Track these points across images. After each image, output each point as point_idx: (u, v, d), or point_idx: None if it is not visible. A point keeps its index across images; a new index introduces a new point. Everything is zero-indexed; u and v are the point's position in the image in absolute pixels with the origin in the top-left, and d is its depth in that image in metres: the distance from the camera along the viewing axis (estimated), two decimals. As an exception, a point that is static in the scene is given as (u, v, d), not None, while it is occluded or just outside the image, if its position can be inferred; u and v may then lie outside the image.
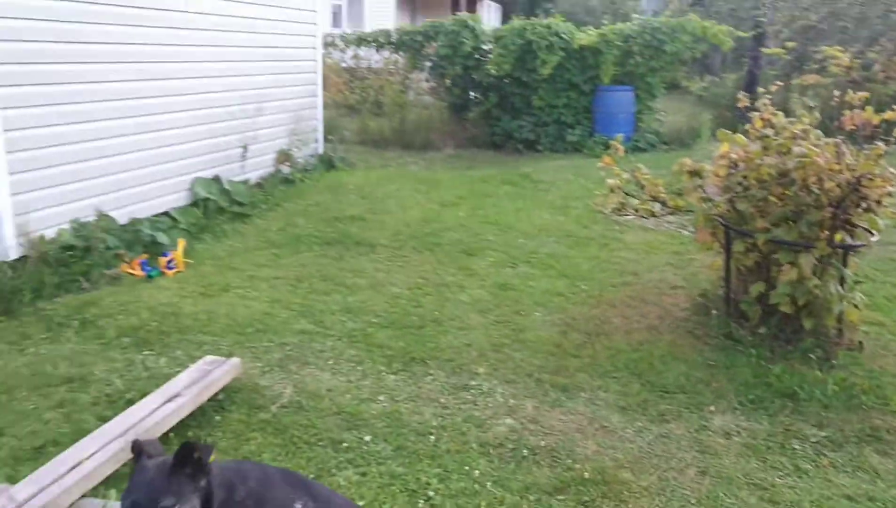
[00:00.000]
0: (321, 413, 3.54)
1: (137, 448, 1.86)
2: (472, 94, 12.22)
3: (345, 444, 3.28)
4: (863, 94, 3.95)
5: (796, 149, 3.66)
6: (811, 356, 3.95)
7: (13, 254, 4.92)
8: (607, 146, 10.48)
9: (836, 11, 12.16)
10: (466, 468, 3.11)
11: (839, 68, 9.94)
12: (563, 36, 10.68)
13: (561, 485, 2.98)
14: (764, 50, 10.19)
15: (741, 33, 10.60)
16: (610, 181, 4.52)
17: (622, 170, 4.51)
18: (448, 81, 12.01)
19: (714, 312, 4.42)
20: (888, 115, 3.62)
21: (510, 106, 11.50)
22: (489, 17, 28.97)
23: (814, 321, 3.96)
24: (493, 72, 11.07)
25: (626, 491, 2.95)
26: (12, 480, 2.80)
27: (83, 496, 2.64)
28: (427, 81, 13.16)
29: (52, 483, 2.59)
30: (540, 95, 11.08)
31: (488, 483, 3.00)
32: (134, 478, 1.81)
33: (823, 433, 3.37)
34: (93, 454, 2.82)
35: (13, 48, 4.84)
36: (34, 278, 4.89)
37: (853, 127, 3.72)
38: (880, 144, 3.50)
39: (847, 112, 3.74)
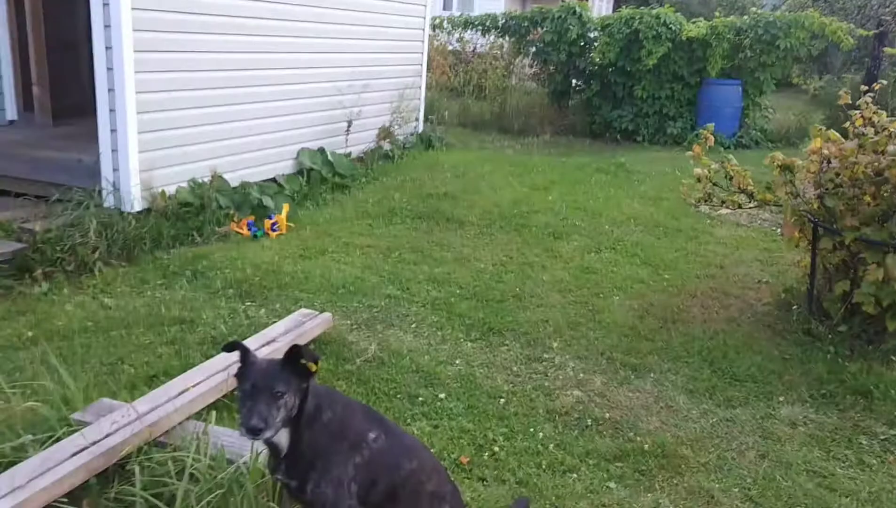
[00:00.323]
0: (401, 370, 3.80)
1: (293, 350, 2.11)
2: (574, 81, 12.22)
3: (420, 399, 3.53)
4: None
5: (891, 148, 3.61)
6: (893, 357, 3.89)
7: (138, 206, 5.43)
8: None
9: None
10: (531, 430, 3.29)
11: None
12: (671, 27, 10.52)
13: (620, 453, 3.13)
14: (887, 50, 9.68)
15: (863, 32, 10.12)
16: (697, 171, 4.54)
17: (711, 161, 4.53)
18: (551, 68, 12.05)
19: (794, 307, 4.40)
20: None
21: (612, 95, 11.44)
22: (601, 6, 28.57)
23: (899, 323, 3.89)
24: (597, 60, 11.04)
25: (683, 465, 3.06)
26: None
27: (188, 418, 3.00)
28: (531, 66, 13.26)
29: (166, 403, 2.96)
30: (643, 85, 10.96)
31: (551, 445, 3.18)
32: (248, 370, 2.10)
33: (894, 432, 3.35)
34: (198, 383, 3.18)
35: (144, 16, 5.29)
36: (154, 230, 5.38)
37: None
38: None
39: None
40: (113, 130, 5.30)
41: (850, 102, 4.38)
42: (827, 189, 4.03)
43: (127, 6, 5.05)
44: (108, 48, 5.13)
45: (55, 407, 2.89)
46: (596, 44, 11.12)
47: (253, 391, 2.03)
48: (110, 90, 5.22)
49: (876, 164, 3.75)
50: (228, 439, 2.77)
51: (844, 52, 16.05)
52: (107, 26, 5.08)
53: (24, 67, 6.56)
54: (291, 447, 2.16)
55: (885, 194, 3.78)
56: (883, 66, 12.38)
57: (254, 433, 1.98)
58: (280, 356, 2.12)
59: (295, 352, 2.11)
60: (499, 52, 13.91)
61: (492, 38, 13.34)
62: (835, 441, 3.29)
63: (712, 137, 4.57)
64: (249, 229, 5.87)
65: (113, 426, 2.74)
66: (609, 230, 6.38)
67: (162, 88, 5.56)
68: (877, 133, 4.00)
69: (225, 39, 6.13)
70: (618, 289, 5.06)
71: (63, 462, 2.53)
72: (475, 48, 14.52)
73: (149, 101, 5.43)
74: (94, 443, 2.64)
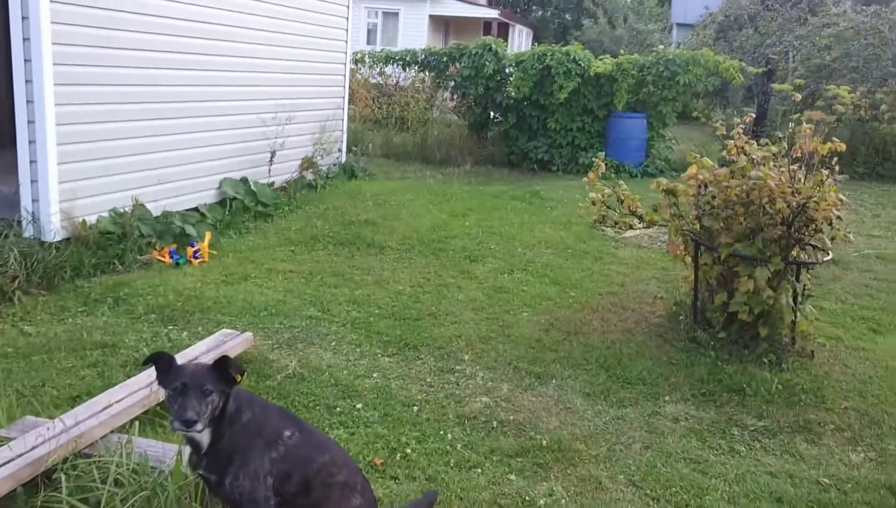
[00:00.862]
0: (320, 384, 4.02)
1: (222, 359, 2.35)
2: (492, 114, 12.76)
3: (338, 409, 3.76)
4: (818, 115, 4.36)
5: (753, 173, 4.10)
6: (764, 360, 4.35)
7: (58, 236, 5.49)
8: (618, 170, 10.99)
9: (851, 52, 12.51)
10: (442, 433, 3.56)
11: (844, 106, 10.29)
12: (580, 63, 11.19)
13: (521, 450, 3.43)
14: (774, 86, 10.58)
15: (753, 69, 11.01)
16: (592, 195, 4.98)
17: (604, 186, 4.97)
18: (470, 101, 12.56)
19: (682, 318, 4.85)
20: (830, 146, 4.05)
21: (527, 127, 12.01)
22: (521, 42, 29.65)
23: (769, 329, 4.37)
24: (513, 94, 11.60)
25: (576, 458, 3.38)
26: (54, 416, 3.30)
27: (112, 431, 3.14)
28: (451, 99, 13.76)
29: (90, 417, 3.09)
30: (556, 118, 11.58)
31: (458, 446, 3.46)
32: (178, 371, 2.31)
33: (762, 423, 3.78)
34: (121, 399, 3.32)
35: (63, 50, 5.40)
36: (74, 259, 5.45)
37: (799, 155, 4.14)
38: (825, 171, 3.93)
39: (800, 141, 4.17)
40: (32, 162, 5.38)
41: (726, 133, 4.90)
42: (705, 211, 4.50)
43: (47, 41, 5.17)
44: (27, 81, 5.23)
45: (-21, 424, 2.99)
46: (511, 78, 11.70)
47: (184, 388, 2.24)
48: (30, 122, 5.30)
49: (744, 187, 4.23)
50: (151, 448, 2.94)
51: (745, 88, 17.27)
52: (27, 60, 5.18)
53: (-62, 99, 6.53)
54: (212, 444, 2.37)
55: (752, 214, 4.26)
56: (771, 100, 13.43)
57: (187, 424, 2.19)
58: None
59: (223, 361, 2.35)
60: (420, 85, 14.38)
61: (413, 72, 13.80)
62: (710, 433, 3.68)
63: (603, 165, 5.02)
64: (171, 257, 5.98)
65: (38, 439, 2.87)
66: (522, 253, 6.78)
67: (83, 120, 5.66)
68: (751, 161, 4.51)
69: (147, 73, 6.28)
70: (527, 306, 5.42)
71: (-11, 473, 2.65)
72: (397, 81, 14.96)
73: (69, 132, 5.53)
74: (19, 455, 2.76)
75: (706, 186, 4.52)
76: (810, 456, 3.50)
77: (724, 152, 4.78)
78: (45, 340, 4.39)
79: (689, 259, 4.82)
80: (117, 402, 3.28)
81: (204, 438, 2.36)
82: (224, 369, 2.35)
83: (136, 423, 3.16)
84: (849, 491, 3.21)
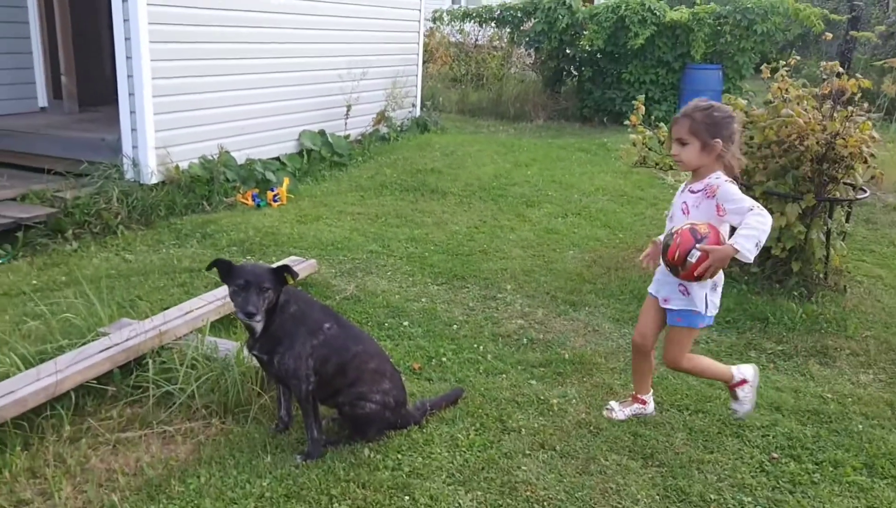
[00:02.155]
0: (374, 305, 4.50)
1: (284, 266, 2.86)
2: (566, 68, 12.83)
3: (387, 325, 4.23)
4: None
5: (784, 111, 4.24)
6: (794, 293, 4.53)
7: (154, 179, 6.17)
8: (691, 122, 10.91)
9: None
10: (476, 346, 3.98)
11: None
12: (655, 12, 11.10)
13: (545, 362, 3.81)
14: (853, 33, 10.19)
15: (835, 17, 10.64)
16: (632, 137, 5.19)
17: (644, 128, 5.18)
18: (543, 55, 12.67)
19: (719, 254, 5.04)
20: (854, 82, 4.12)
21: (601, 80, 12.05)
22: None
23: (801, 264, 4.53)
24: (586, 47, 11.64)
25: (594, 369, 3.73)
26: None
27: (191, 331, 3.71)
28: (528, 55, 13.89)
29: (172, 320, 3.68)
30: (630, 70, 11.57)
31: (489, 356, 3.87)
32: (238, 271, 2.79)
33: (780, 347, 4.00)
34: (200, 307, 3.90)
35: (157, 10, 6.01)
36: (168, 199, 6.14)
37: (827, 92, 4.23)
38: (851, 108, 4.02)
39: (828, 81, 4.26)
40: (132, 112, 6.05)
41: (769, 75, 5.00)
42: (742, 151, 4.65)
43: (143, 1, 5.78)
44: (126, 39, 5.87)
45: (86, 321, 3.63)
46: (585, 32, 11.73)
47: (247, 285, 2.74)
48: (129, 76, 5.96)
49: (775, 125, 4.37)
50: (222, 344, 3.49)
51: (829, 37, 16.47)
52: (125, 20, 5.81)
53: (53, 59, 7.33)
54: (264, 330, 2.87)
55: (786, 152, 4.40)
56: (855, 47, 12.86)
57: (249, 316, 2.70)
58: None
59: (283, 267, 2.84)
60: (498, 42, 14.55)
61: (490, 29, 13.98)
62: (727, 354, 3.94)
63: (643, 107, 5.20)
64: (253, 200, 6.60)
65: (131, 332, 3.47)
66: (578, 199, 7.04)
67: (175, 74, 6.29)
68: (784, 101, 4.62)
69: (232, 31, 6.85)
70: (574, 246, 5.72)
71: (93, 356, 3.26)
72: (476, 39, 15.17)
73: (163, 86, 6.17)
74: (117, 344, 3.37)
75: (745, 128, 4.66)
76: (820, 376, 3.71)
77: (770, 95, 4.89)
78: (141, 265, 5.06)
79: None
80: (196, 309, 3.86)
81: (259, 326, 2.86)
82: (281, 273, 2.84)
83: (209, 326, 3.72)
84: (848, 404, 3.43)
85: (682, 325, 3.02)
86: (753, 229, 2.68)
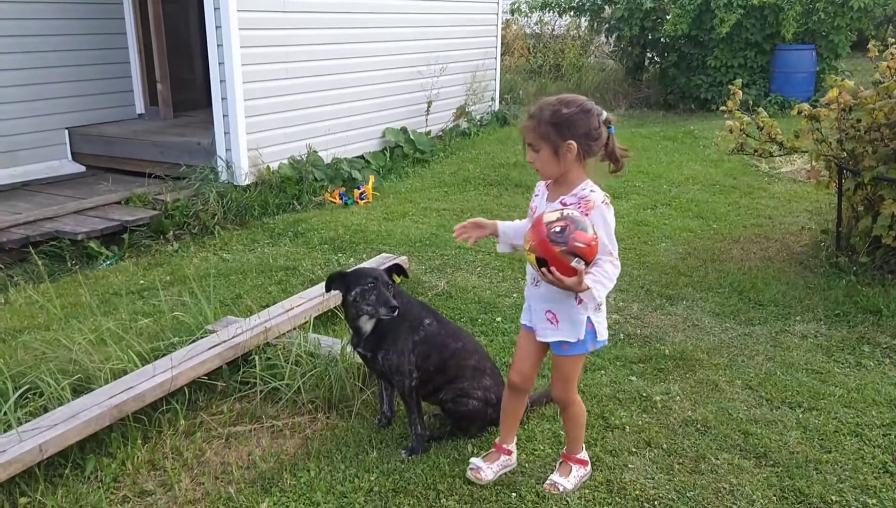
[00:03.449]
0: (465, 301, 4.51)
1: (398, 265, 2.97)
2: (648, 55, 12.52)
3: (480, 321, 4.23)
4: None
5: (897, 91, 4.00)
6: (909, 284, 4.28)
7: (247, 180, 6.37)
8: (783, 106, 10.50)
9: None
10: (571, 342, 3.93)
11: None
12: (742, -6, 10.70)
13: (644, 357, 3.73)
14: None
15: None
16: (728, 123, 5.01)
17: (742, 113, 4.98)
18: (625, 42, 12.40)
19: (823, 244, 4.81)
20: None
21: (686, 66, 11.70)
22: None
23: (916, 253, 4.27)
24: (670, 32, 11.32)
25: (697, 365, 3.62)
26: (249, 318, 4.05)
27: (293, 328, 3.81)
28: (607, 43, 13.63)
29: (276, 317, 3.78)
30: (716, 54, 11.19)
31: (585, 352, 3.81)
32: (357, 275, 2.87)
33: (895, 342, 3.79)
34: (300, 304, 4.00)
35: (247, 17, 6.18)
36: (261, 199, 6.32)
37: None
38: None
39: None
40: (225, 116, 6.26)
41: (878, 54, 4.73)
42: (848, 134, 4.43)
43: (234, 8, 5.96)
44: (219, 45, 6.07)
45: (194, 319, 3.77)
46: (668, 16, 11.41)
47: (376, 282, 2.80)
48: (222, 81, 6.16)
49: (888, 107, 4.14)
50: (324, 340, 3.57)
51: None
52: (218, 27, 6.01)
53: (150, 68, 7.65)
54: (373, 329, 2.91)
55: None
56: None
57: (393, 309, 2.75)
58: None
59: (398, 265, 2.94)
60: (576, 31, 14.34)
61: (568, 18, 13.77)
62: (839, 349, 3.76)
63: (741, 92, 5.01)
64: (341, 198, 6.72)
65: (238, 330, 3.59)
66: (667, 189, 6.86)
67: (264, 77, 6.46)
68: (897, 81, 4.36)
69: (317, 33, 6.99)
70: (666, 238, 5.58)
71: (203, 352, 3.39)
72: (553, 29, 14.98)
73: (254, 90, 6.35)
74: (225, 341, 3.49)
75: (850, 110, 4.44)
76: (943, 372, 3.50)
77: (877, 74, 4.63)
78: (239, 264, 5.22)
79: (833, 186, 4.76)
80: (297, 306, 3.96)
81: (369, 326, 2.91)
82: (394, 272, 2.90)
83: (312, 323, 3.81)
84: (977, 402, 3.22)
85: (570, 354, 2.56)
86: (609, 278, 2.37)
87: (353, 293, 2.85)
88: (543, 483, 2.71)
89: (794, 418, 3.13)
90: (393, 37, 8.04)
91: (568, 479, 2.69)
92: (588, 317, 2.49)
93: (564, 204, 2.42)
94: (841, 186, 4.61)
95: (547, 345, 2.61)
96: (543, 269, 2.29)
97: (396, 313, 2.78)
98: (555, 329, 2.52)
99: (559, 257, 2.27)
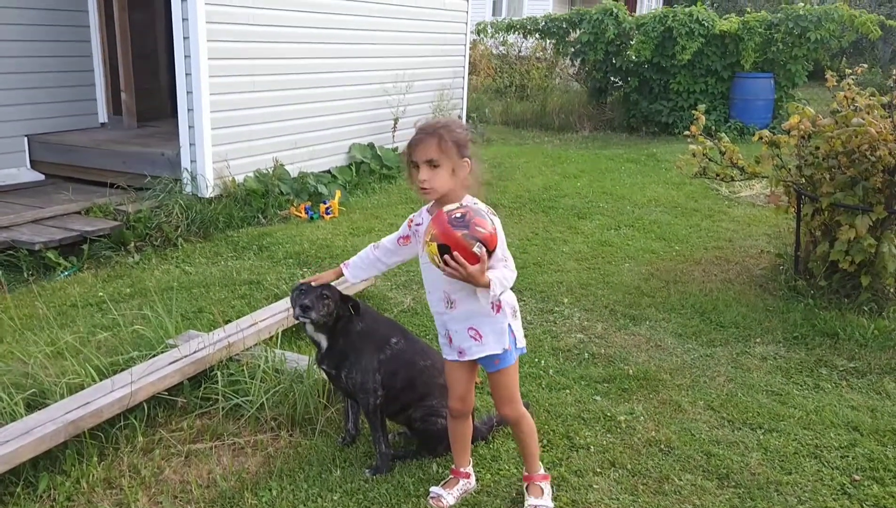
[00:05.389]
0: (431, 318, 4.41)
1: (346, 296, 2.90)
2: (612, 79, 12.75)
3: (446, 339, 4.22)
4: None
5: (854, 120, 4.13)
6: (864, 308, 4.39)
7: (212, 192, 6.28)
8: (742, 132, 10.76)
9: None
10: (536, 360, 3.94)
11: None
12: (703, 23, 10.98)
13: (608, 377, 3.75)
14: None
15: (891, 22, 10.38)
16: (692, 147, 5.12)
17: (705, 138, 5.10)
18: (589, 66, 12.61)
19: (782, 268, 4.93)
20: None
21: (648, 91, 11.94)
22: (650, 4, 28.79)
23: (871, 278, 4.40)
24: (633, 57, 11.55)
25: (660, 386, 3.66)
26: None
27: (257, 343, 3.75)
28: (573, 66, 13.84)
29: (239, 331, 3.72)
30: (678, 80, 11.44)
31: (551, 371, 3.83)
32: (304, 285, 2.83)
33: (852, 365, 3.88)
34: (264, 319, 3.94)
35: (216, 28, 6.12)
36: (226, 212, 6.24)
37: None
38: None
39: (903, 89, 4.14)
40: (191, 127, 6.17)
41: (836, 83, 4.88)
42: (807, 161, 4.55)
43: (202, 20, 5.90)
44: (186, 56, 5.99)
45: (155, 332, 3.69)
46: (632, 42, 11.64)
47: (307, 288, 2.77)
48: (188, 92, 6.09)
49: (845, 135, 4.26)
50: (289, 357, 3.52)
51: (895, 44, 16.10)
52: (185, 38, 5.94)
53: (114, 76, 7.51)
54: (329, 346, 2.89)
55: (855, 163, 4.29)
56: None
57: (303, 309, 2.71)
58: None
59: (346, 297, 2.89)
60: (541, 53, 14.54)
61: (534, 40, 13.97)
62: (797, 371, 3.83)
63: (703, 117, 5.13)
64: (306, 213, 6.67)
65: (200, 344, 3.52)
66: (630, 211, 6.96)
67: (232, 90, 6.41)
68: (855, 109, 4.51)
69: (285, 47, 6.96)
70: (630, 258, 5.65)
71: (164, 367, 3.31)
72: (519, 51, 15.17)
73: (220, 101, 6.28)
74: (186, 356, 3.42)
75: (809, 137, 4.57)
76: (897, 395, 3.59)
77: (835, 103, 4.78)
78: (202, 277, 5.14)
79: (792, 211, 4.88)
80: (261, 321, 3.90)
81: (322, 340, 2.88)
82: (346, 299, 2.87)
83: (279, 338, 3.76)
84: (930, 425, 3.30)
85: (501, 367, 2.57)
86: (507, 279, 2.42)
87: (291, 298, 2.85)
88: None
89: (755, 439, 3.18)
90: (361, 53, 8.05)
91: (543, 498, 2.68)
92: (507, 324, 2.53)
93: None
94: (799, 212, 4.73)
95: (475, 365, 2.64)
96: (446, 256, 2.30)
97: (307, 315, 2.73)
98: (480, 345, 2.54)
99: (461, 241, 2.28)
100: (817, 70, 11.80)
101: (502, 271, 2.43)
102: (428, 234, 2.36)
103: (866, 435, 3.21)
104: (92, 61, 7.55)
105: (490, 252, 2.33)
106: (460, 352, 2.58)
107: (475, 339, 2.54)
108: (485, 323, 2.52)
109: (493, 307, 2.50)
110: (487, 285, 2.36)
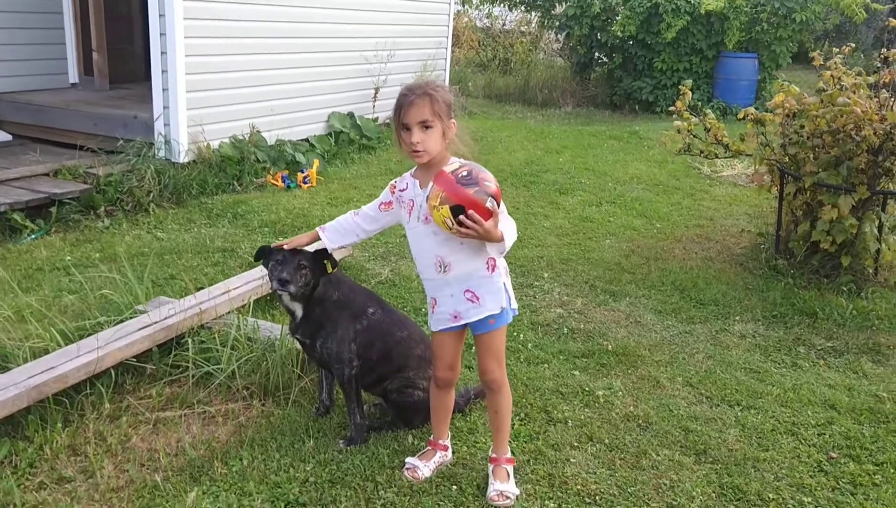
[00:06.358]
0: (409, 290, 4.42)
1: (322, 251, 2.78)
2: (596, 55, 12.64)
3: (423, 311, 4.14)
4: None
5: (840, 99, 4.09)
6: (843, 288, 4.39)
7: (186, 158, 6.12)
8: (725, 112, 10.74)
9: None
10: (515, 334, 3.89)
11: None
12: (690, 1, 10.88)
13: (587, 352, 3.71)
14: (891, 21, 9.91)
15: (876, 6, 10.37)
16: (677, 123, 5.06)
17: (691, 115, 5.04)
18: (574, 41, 12.48)
19: (764, 247, 4.91)
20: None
21: (633, 67, 11.85)
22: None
23: (851, 259, 4.39)
24: (618, 33, 11.44)
25: (639, 361, 3.63)
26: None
27: (230, 311, 3.66)
28: (557, 41, 13.70)
29: (212, 299, 3.62)
30: (662, 58, 11.36)
31: (529, 345, 3.78)
32: (277, 251, 2.72)
33: (830, 344, 3.88)
34: (238, 286, 3.84)
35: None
36: (200, 178, 6.08)
37: (888, 80, 4.08)
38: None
39: (892, 69, 4.10)
40: (165, 90, 5.99)
41: (822, 62, 4.84)
42: (791, 139, 4.52)
43: (178, -23, 5.70)
44: (161, 15, 5.79)
45: (124, 298, 3.58)
46: (618, 17, 11.52)
47: (284, 260, 2.67)
48: (163, 53, 5.90)
49: (830, 114, 4.23)
50: (263, 325, 3.43)
51: (877, 28, 16.10)
52: (160, -4, 5.74)
53: (85, 36, 7.26)
54: (304, 316, 2.80)
55: (840, 142, 4.26)
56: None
57: (282, 283, 2.62)
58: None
59: (322, 252, 2.76)
60: (526, 27, 14.37)
61: (519, 13, 13.79)
62: (776, 349, 3.82)
63: (690, 93, 5.07)
64: (283, 181, 6.53)
65: (170, 311, 3.42)
66: (612, 187, 6.91)
67: (208, 52, 6.21)
68: (841, 88, 4.47)
69: (264, 10, 6.76)
70: (611, 234, 5.61)
71: (133, 333, 3.21)
72: (504, 24, 14.99)
73: (196, 63, 6.10)
74: (156, 322, 3.32)
75: (794, 116, 4.53)
76: (874, 374, 3.59)
77: (821, 83, 4.74)
78: (174, 244, 5.01)
79: (775, 190, 4.86)
80: (234, 288, 3.80)
81: (297, 310, 2.79)
82: (320, 258, 2.76)
83: (251, 306, 3.66)
84: (905, 405, 3.31)
85: (496, 327, 2.51)
86: (513, 230, 2.42)
87: (269, 269, 2.74)
88: (487, 495, 2.56)
89: (733, 416, 3.16)
90: (342, 19, 7.87)
91: (509, 483, 2.61)
92: (504, 283, 2.50)
93: None
94: (782, 191, 4.70)
95: (462, 335, 2.60)
96: (461, 217, 2.24)
97: (285, 288, 2.64)
98: (478, 307, 2.48)
99: (475, 199, 2.24)
100: (801, 53, 11.77)
101: (506, 223, 2.40)
102: (436, 198, 2.28)
103: (843, 414, 3.21)
104: (62, 18, 7.29)
105: (497, 205, 2.31)
106: (455, 316, 2.51)
107: (472, 302, 2.48)
108: (482, 284, 2.47)
109: (488, 267, 2.45)
110: (501, 239, 2.34)
